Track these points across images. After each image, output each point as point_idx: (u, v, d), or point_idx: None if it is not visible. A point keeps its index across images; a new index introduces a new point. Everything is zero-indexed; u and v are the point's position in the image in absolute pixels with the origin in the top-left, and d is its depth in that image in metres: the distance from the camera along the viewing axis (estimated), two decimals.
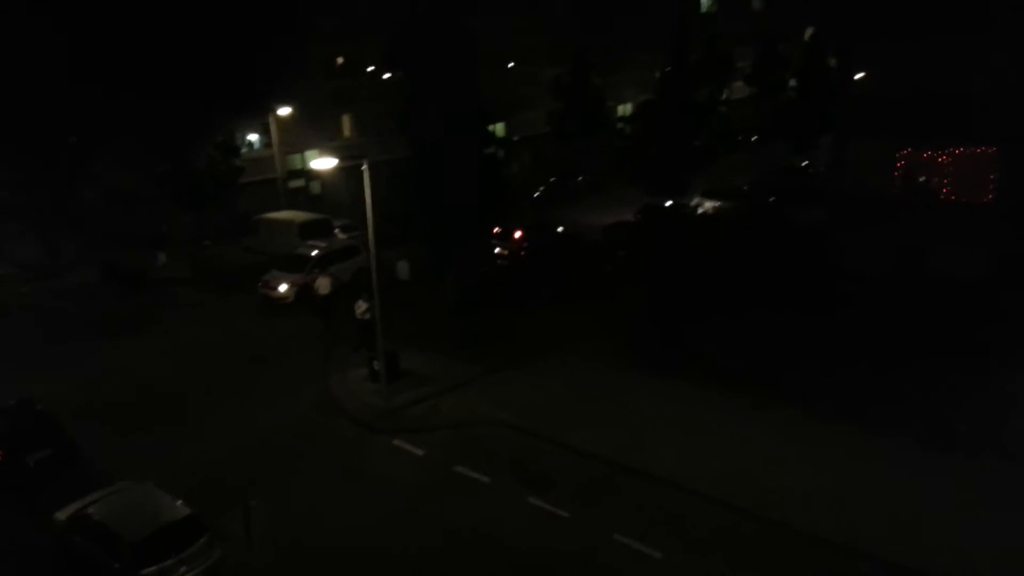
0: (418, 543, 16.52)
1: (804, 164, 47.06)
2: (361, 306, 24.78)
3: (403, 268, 27.60)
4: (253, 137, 41.93)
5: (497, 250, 33.75)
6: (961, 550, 15.44)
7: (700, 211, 39.98)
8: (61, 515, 16.07)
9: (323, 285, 27.73)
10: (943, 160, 41.78)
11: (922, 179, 42.03)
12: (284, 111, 40.28)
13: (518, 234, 34.55)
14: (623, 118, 59.12)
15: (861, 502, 17.02)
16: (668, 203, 38.13)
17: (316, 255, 31.40)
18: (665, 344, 24.85)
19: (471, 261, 27.21)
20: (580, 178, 47.59)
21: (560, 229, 35.83)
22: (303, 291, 30.34)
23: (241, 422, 21.68)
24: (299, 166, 43.64)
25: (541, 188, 45.54)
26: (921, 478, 17.67)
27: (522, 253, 33.64)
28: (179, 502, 15.61)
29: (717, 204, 40.11)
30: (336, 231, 36.10)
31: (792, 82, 55.56)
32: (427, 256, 27.90)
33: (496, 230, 33.30)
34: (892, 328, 24.96)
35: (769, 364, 23.20)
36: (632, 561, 15.77)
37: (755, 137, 59.32)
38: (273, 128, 40.99)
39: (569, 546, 16.27)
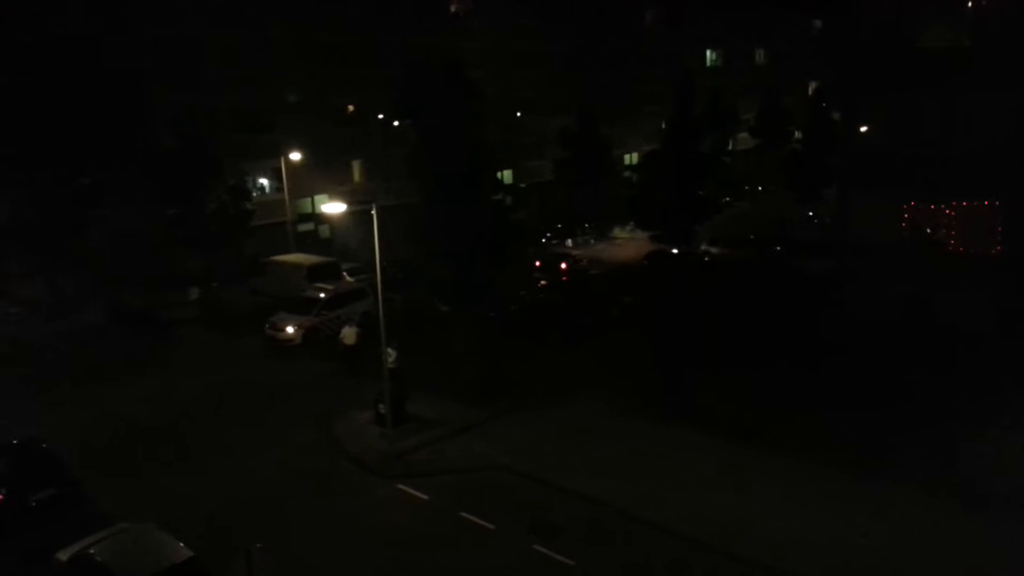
0: None
1: (810, 215, 47.42)
2: (390, 355, 24.41)
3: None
4: (264, 181, 42.44)
5: (542, 282, 36.66)
6: None
7: (706, 258, 40.16)
8: (62, 555, 15.86)
9: (349, 336, 27.22)
10: (949, 212, 42.03)
11: (929, 231, 42.25)
12: (295, 156, 40.87)
13: (563, 265, 37.00)
14: (630, 167, 59.88)
15: (872, 555, 16.74)
16: (674, 250, 38.35)
17: (324, 298, 31.54)
18: (671, 391, 24.76)
19: (480, 305, 27.22)
20: (587, 225, 47.94)
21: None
22: (310, 333, 30.43)
23: (245, 464, 21.54)
24: (309, 210, 44.09)
25: (548, 235, 45.85)
26: (937, 532, 17.42)
27: (564, 278, 36.83)
28: (181, 544, 15.44)
29: (723, 251, 40.34)
30: (344, 274, 36.32)
31: (796, 134, 56.37)
32: (434, 299, 28.00)
33: (538, 263, 38.46)
34: (899, 378, 24.84)
35: (776, 413, 23.05)
36: None
37: (760, 187, 59.90)
38: (284, 172, 41.53)
39: None
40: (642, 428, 22.74)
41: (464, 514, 18.83)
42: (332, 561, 17.27)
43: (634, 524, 18.21)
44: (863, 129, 55.63)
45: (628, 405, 24.16)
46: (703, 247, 40.75)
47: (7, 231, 34.61)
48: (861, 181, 47.71)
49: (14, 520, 18.24)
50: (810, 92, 58.07)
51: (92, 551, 15.30)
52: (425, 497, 19.76)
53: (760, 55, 74.59)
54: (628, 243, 47.15)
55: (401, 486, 20.27)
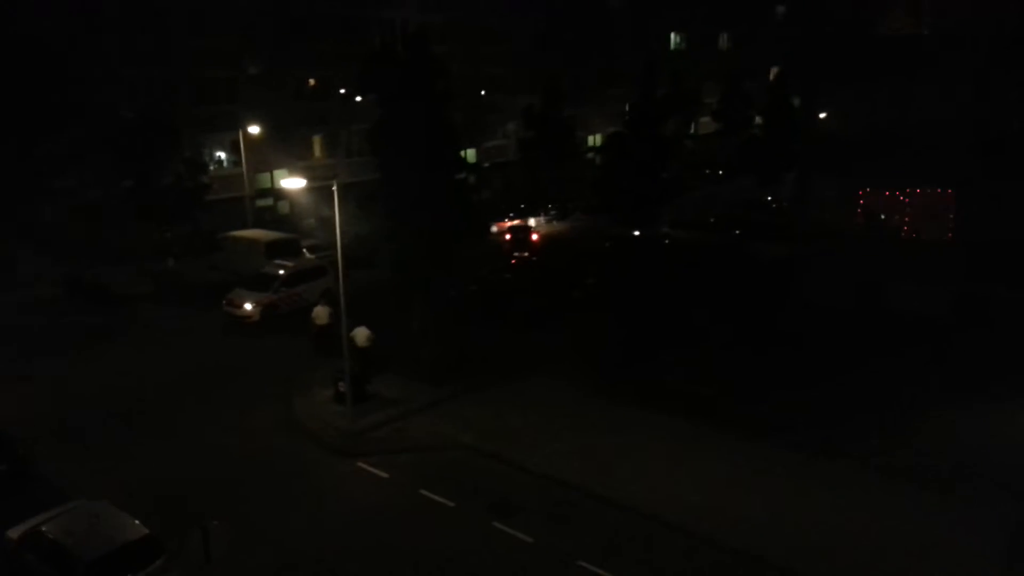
0: (382, 567, 16.31)
1: (769, 199, 48.08)
2: (364, 334, 24.47)
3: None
4: (222, 154, 41.63)
5: (515, 254, 37.37)
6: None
7: (667, 241, 40.54)
8: (13, 533, 15.57)
9: (320, 315, 26.91)
10: (903, 199, 43.01)
11: (883, 217, 43.19)
12: (254, 129, 40.11)
13: (534, 236, 37.82)
14: (593, 148, 59.96)
15: (833, 534, 17.13)
16: (636, 232, 38.63)
17: (283, 274, 31.16)
18: (632, 372, 25.04)
19: (440, 286, 27.14)
20: (550, 206, 47.97)
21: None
22: (268, 310, 30.07)
23: (203, 441, 21.30)
24: (268, 185, 43.40)
25: (511, 215, 45.80)
26: (899, 511, 17.91)
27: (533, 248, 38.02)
28: (136, 522, 15.26)
29: (684, 235, 40.76)
30: (304, 251, 35.90)
31: (757, 119, 56.97)
32: (395, 279, 27.84)
33: (507, 235, 39.22)
34: (851, 361, 25.45)
35: (735, 392, 23.47)
36: None
37: (721, 171, 60.52)
38: (242, 146, 40.74)
39: (534, 572, 16.18)
40: (603, 407, 22.99)
41: (424, 492, 18.89)
42: (291, 537, 17.22)
43: (595, 503, 18.44)
44: (822, 115, 56.56)
45: (590, 385, 24.39)
46: (664, 230, 41.10)
47: None
48: (819, 167, 48.60)
49: None
50: (771, 78, 58.63)
51: (44, 528, 15.07)
52: (385, 475, 19.77)
53: (724, 39, 75.07)
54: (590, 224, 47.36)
55: (361, 464, 20.24)
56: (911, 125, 53.32)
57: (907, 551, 16.54)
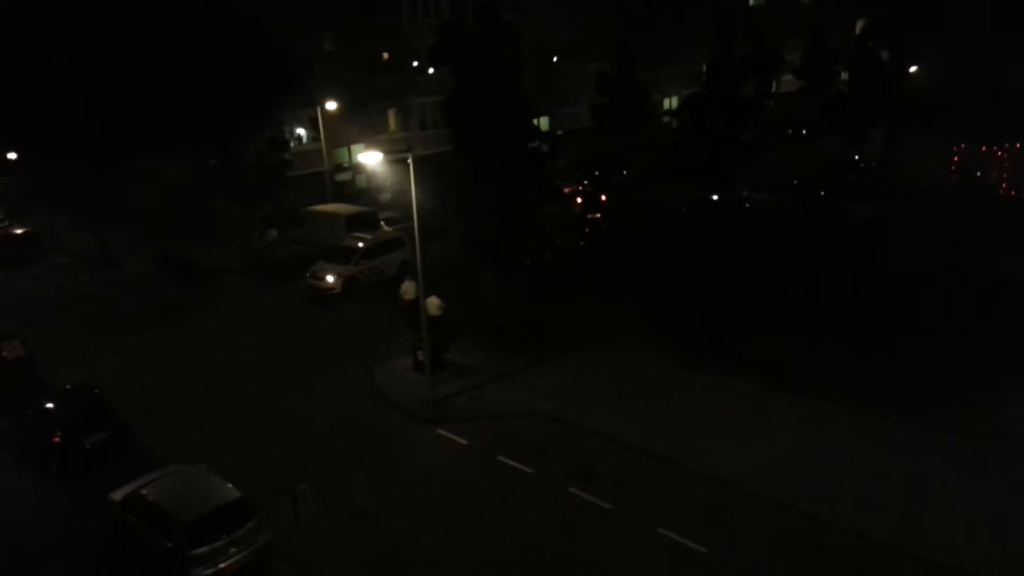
0: (461, 530, 16.65)
1: (855, 158, 46.11)
2: (436, 303, 24.67)
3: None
4: (301, 131, 42.50)
5: (588, 216, 37.43)
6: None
7: (747, 205, 39.42)
8: (116, 496, 16.54)
9: (408, 291, 26.46)
10: (1001, 155, 40.54)
11: (979, 174, 40.86)
12: (331, 106, 40.75)
13: (603, 197, 39.65)
14: (669, 112, 58.62)
15: (915, 501, 16.66)
16: (715, 197, 37.68)
17: (362, 247, 31.79)
18: (710, 339, 24.60)
19: (515, 255, 27.16)
20: (625, 172, 47.24)
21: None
22: (349, 282, 30.78)
23: (289, 409, 22.08)
24: (346, 160, 44.14)
25: (585, 182, 45.33)
26: (981, 479, 17.28)
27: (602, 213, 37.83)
28: (229, 485, 15.96)
29: (765, 198, 39.54)
30: (382, 224, 36.48)
31: (843, 75, 54.53)
32: (470, 249, 28.00)
33: (579, 198, 39.18)
34: (946, 328, 24.32)
35: (818, 362, 22.78)
36: (676, 555, 15.68)
37: (804, 131, 58.34)
38: (320, 122, 41.49)
39: (612, 538, 16.24)
40: (682, 376, 22.71)
41: (503, 458, 19.13)
42: (374, 502, 17.73)
43: (673, 469, 18.34)
44: (912, 69, 53.66)
45: (667, 353, 24.11)
46: (744, 193, 39.94)
47: (56, 183, 35.30)
48: (910, 123, 46.19)
49: (70, 462, 19.03)
50: (857, 31, 55.89)
51: (144, 491, 15.92)
52: (464, 442, 20.09)
53: None
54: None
55: (441, 431, 20.63)
56: (1010, 77, 50.12)
57: (991, 520, 15.90)
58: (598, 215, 38.43)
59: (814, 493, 17.03)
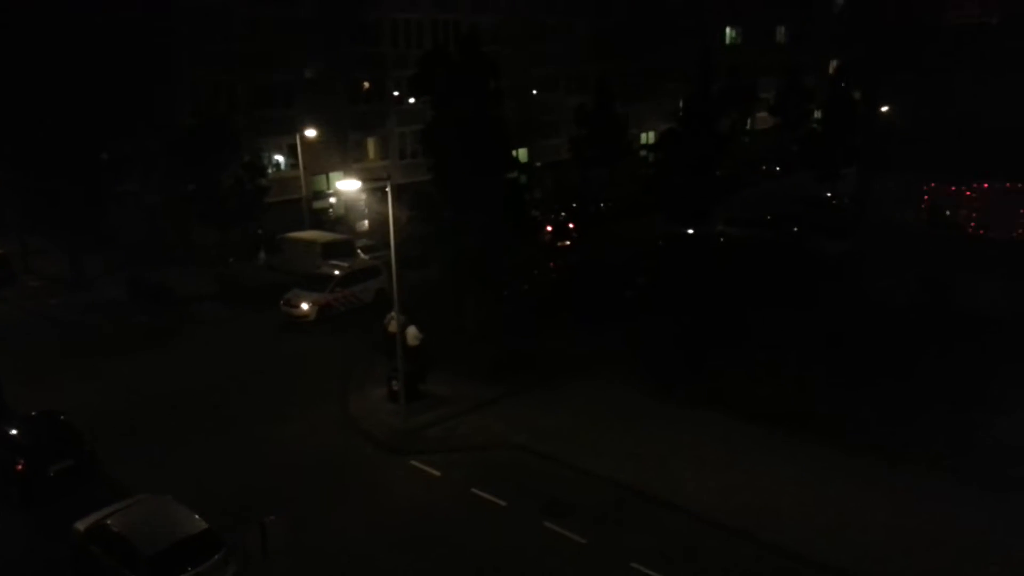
0: (433, 564, 16.42)
1: (828, 195, 46.90)
2: (411, 332, 24.36)
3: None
4: (279, 158, 42.48)
5: (557, 243, 39.20)
6: None
7: (722, 239, 39.88)
8: (80, 525, 16.14)
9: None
10: (969, 194, 41.47)
11: (948, 213, 41.73)
12: (310, 133, 40.85)
13: (570, 224, 41.42)
14: (646, 146, 59.36)
15: (891, 540, 16.69)
16: (690, 230, 38.09)
17: (338, 275, 31.65)
18: (686, 372, 24.67)
19: (493, 283, 27.24)
20: (602, 204, 47.65)
21: None
22: (324, 310, 30.59)
23: (260, 438, 21.75)
24: (324, 187, 44.13)
25: (563, 214, 45.62)
26: (969, 516, 17.40)
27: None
28: (196, 516, 15.66)
29: (739, 232, 40.02)
30: (358, 251, 36.40)
31: (816, 113, 55.63)
32: (447, 279, 28.02)
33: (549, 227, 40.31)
34: (915, 363, 24.59)
35: (795, 396, 22.87)
36: None
37: (778, 167, 59.30)
38: (299, 149, 41.53)
39: (586, 572, 16.09)
40: (658, 409, 22.72)
41: (476, 491, 18.95)
42: (345, 533, 17.46)
43: (649, 504, 18.26)
44: (884, 109, 54.84)
45: (643, 384, 24.12)
46: (719, 227, 40.42)
47: (29, 206, 34.89)
48: (881, 162, 47.12)
49: (34, 489, 18.57)
50: (831, 71, 57.22)
51: (110, 521, 15.57)
52: (437, 473, 19.90)
53: (781, 32, 73.52)
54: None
55: (414, 462, 20.42)
56: (978, 118, 51.44)
57: (975, 557, 15.95)
58: (567, 242, 39.45)
59: (791, 529, 17.02)
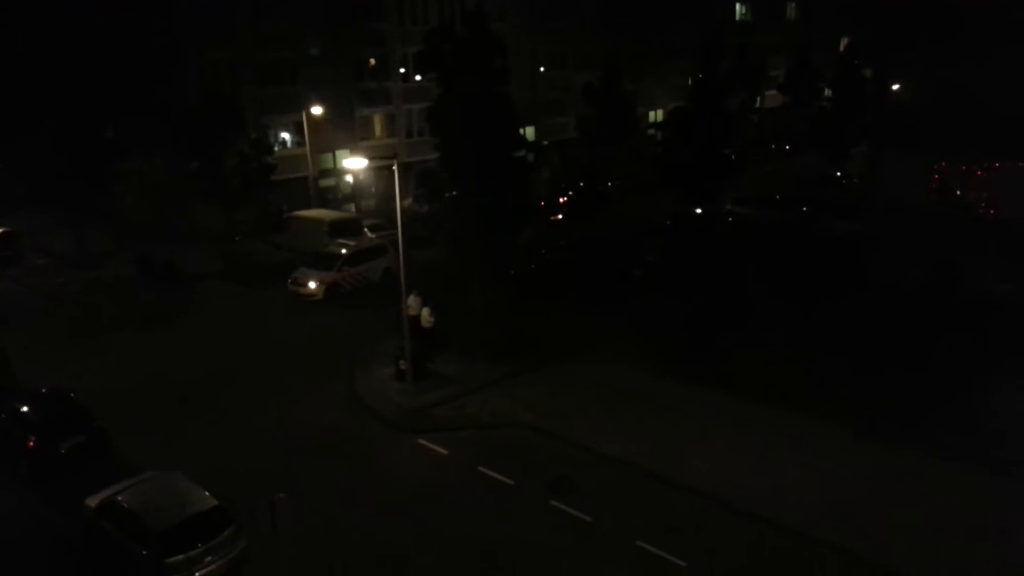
0: (440, 542, 16.54)
1: (838, 174, 46.54)
2: (424, 313, 24.52)
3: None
4: (286, 135, 42.31)
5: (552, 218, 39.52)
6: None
7: (730, 219, 39.68)
8: (91, 501, 16.31)
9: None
10: (980, 174, 41.06)
11: (958, 193, 41.34)
12: (316, 110, 40.65)
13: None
14: (654, 124, 58.94)
15: (898, 520, 16.72)
16: (698, 210, 37.89)
17: (345, 254, 31.64)
18: (694, 351, 24.66)
19: (500, 262, 27.14)
20: (610, 183, 47.43)
21: None
22: (331, 288, 30.61)
23: (268, 416, 21.87)
24: (331, 165, 43.99)
25: (570, 193, 45.45)
26: (971, 501, 17.35)
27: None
28: (206, 493, 15.78)
29: (748, 212, 39.81)
30: (365, 230, 36.35)
31: (826, 92, 55.06)
32: (454, 258, 27.93)
33: None
34: (923, 343, 24.51)
35: (805, 376, 22.83)
36: (655, 568, 15.65)
37: (788, 146, 58.85)
38: (305, 127, 41.36)
39: (591, 551, 16.18)
40: (665, 387, 22.75)
41: (483, 469, 19.04)
42: (352, 511, 17.59)
43: (655, 483, 18.32)
44: (895, 87, 54.20)
45: (650, 364, 24.13)
46: (728, 207, 40.19)
47: (35, 184, 34.94)
48: (892, 140, 46.63)
49: (45, 466, 18.73)
50: (841, 48, 56.52)
51: (120, 498, 15.70)
52: (444, 452, 19.99)
53: (791, 9, 72.64)
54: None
55: (421, 440, 20.52)
56: (992, 95, 50.78)
57: (981, 541, 15.99)
58: (559, 216, 40.03)
59: (797, 508, 17.07)
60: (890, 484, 17.90)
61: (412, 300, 25.65)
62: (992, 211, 40.26)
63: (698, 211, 37.99)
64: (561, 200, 43.09)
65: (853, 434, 19.91)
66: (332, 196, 44.01)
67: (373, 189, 45.96)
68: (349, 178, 44.92)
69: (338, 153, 43.44)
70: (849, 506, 17.14)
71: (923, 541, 16.01)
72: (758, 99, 63.62)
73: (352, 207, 44.19)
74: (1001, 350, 23.80)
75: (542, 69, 52.43)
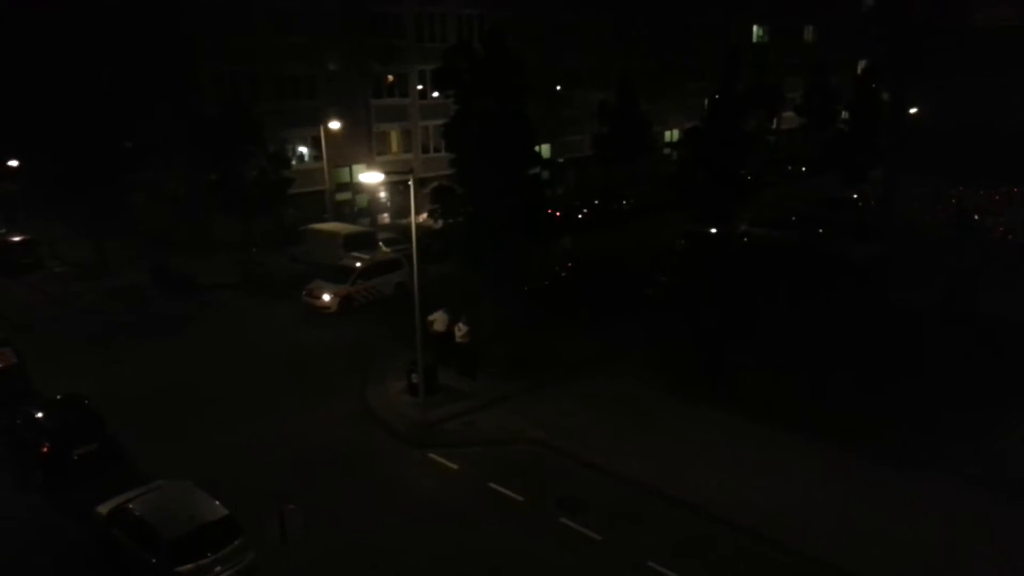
0: (449, 558, 16.48)
1: (854, 196, 46.39)
2: (461, 329, 24.56)
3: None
4: (303, 149, 42.69)
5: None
6: None
7: (745, 239, 39.59)
8: (102, 509, 16.37)
9: (439, 321, 25.53)
10: (998, 199, 40.90)
11: (976, 217, 41.14)
12: (334, 125, 41.01)
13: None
14: (670, 144, 59.02)
15: (903, 545, 16.55)
16: (713, 230, 37.83)
17: (360, 267, 31.79)
18: (707, 372, 24.54)
19: (514, 279, 27.21)
20: (624, 202, 47.47)
21: None
22: (345, 301, 30.74)
23: (279, 428, 21.92)
24: (347, 179, 44.29)
25: (584, 211, 45.53)
26: (986, 528, 17.16)
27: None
28: (216, 502, 15.81)
29: (763, 233, 39.70)
30: (380, 244, 36.53)
31: (843, 114, 54.98)
32: (467, 273, 28.02)
33: None
34: (939, 367, 24.33)
35: (814, 399, 22.67)
36: None
37: (804, 167, 58.73)
38: (323, 141, 41.72)
39: (600, 571, 16.08)
40: (676, 407, 22.64)
41: (493, 485, 18.98)
42: (362, 524, 17.57)
43: (665, 502, 18.20)
44: (912, 111, 54.10)
45: (662, 384, 24.05)
46: (743, 228, 40.11)
47: (54, 193, 35.40)
48: (908, 164, 46.50)
49: (58, 472, 18.84)
50: (859, 71, 56.48)
51: (131, 505, 15.76)
52: (455, 467, 19.95)
53: (809, 32, 72.76)
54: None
55: (432, 455, 20.49)
56: (1009, 122, 50.64)
57: (985, 564, 15.76)
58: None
59: (807, 530, 16.91)
60: (900, 507, 17.71)
61: (440, 315, 25.75)
62: (1009, 236, 40.04)
63: (712, 231, 37.93)
64: (578, 216, 42.81)
65: (865, 456, 19.72)
66: (348, 210, 44.29)
67: (389, 204, 46.19)
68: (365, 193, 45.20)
69: (355, 167, 43.76)
70: (859, 528, 16.96)
71: (935, 565, 15.80)
72: (775, 120, 63.62)
73: (368, 221, 44.40)
74: (1015, 372, 23.60)
75: (559, 87, 52.71)
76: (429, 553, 16.60)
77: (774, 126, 63.77)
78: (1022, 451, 19.72)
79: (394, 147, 46.08)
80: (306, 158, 42.83)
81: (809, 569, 15.94)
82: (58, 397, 20.79)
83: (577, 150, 53.29)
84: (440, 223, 26.70)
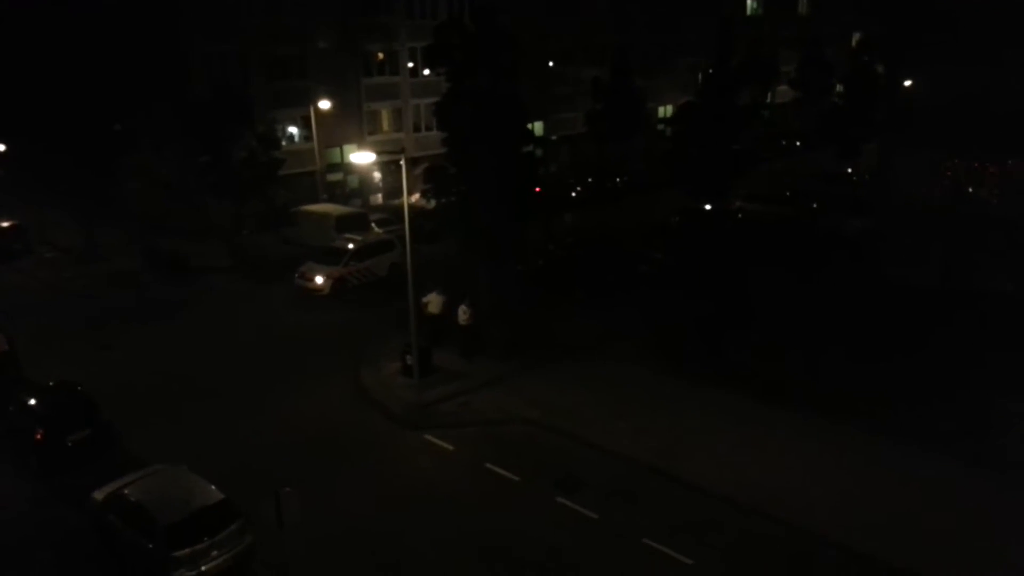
0: (445, 538, 16.50)
1: (848, 171, 46.23)
2: (465, 312, 24.47)
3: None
4: (293, 130, 42.30)
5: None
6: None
7: (740, 215, 39.46)
8: (98, 495, 16.32)
9: (434, 303, 25.44)
10: (993, 172, 40.72)
11: (970, 191, 41.00)
12: (324, 105, 40.60)
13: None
14: (663, 120, 58.70)
15: (903, 517, 16.63)
16: (707, 206, 37.67)
17: (352, 248, 31.60)
18: (701, 349, 24.52)
19: (506, 260, 27.05)
20: (618, 179, 47.25)
21: None
22: (338, 283, 30.59)
23: (274, 411, 21.87)
24: (338, 159, 43.95)
25: (578, 188, 45.31)
26: (981, 505, 17.20)
27: None
28: (212, 487, 15.76)
29: (758, 208, 39.57)
30: (372, 225, 36.32)
31: (838, 87, 54.68)
32: (462, 253, 27.86)
33: None
34: (934, 342, 24.34)
35: (814, 375, 22.71)
36: (661, 566, 15.57)
37: (798, 142, 58.51)
38: (313, 121, 41.32)
39: (597, 548, 16.11)
40: (671, 385, 22.64)
41: (489, 465, 18.98)
42: (359, 506, 17.57)
43: (661, 481, 18.23)
44: (907, 83, 53.78)
45: (657, 362, 24.04)
46: (737, 203, 39.97)
47: (43, 177, 35.04)
48: (903, 137, 46.29)
49: (52, 459, 18.77)
50: (853, 44, 56.09)
51: (127, 491, 15.70)
52: (451, 448, 19.94)
53: (803, 4, 72.17)
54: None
55: (428, 436, 20.46)
56: (1005, 94, 50.29)
57: (987, 537, 15.86)
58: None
59: (804, 507, 16.96)
60: (896, 483, 17.77)
61: (434, 297, 25.63)
62: (1005, 209, 39.87)
63: (707, 207, 37.78)
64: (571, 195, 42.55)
65: (861, 432, 19.77)
66: (339, 191, 43.99)
67: (380, 184, 45.90)
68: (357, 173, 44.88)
69: (346, 148, 43.42)
70: (855, 504, 17.02)
71: (929, 539, 15.88)
72: (769, 94, 63.26)
73: (359, 202, 44.14)
74: (1012, 348, 23.62)
75: (551, 64, 52.23)
76: (425, 534, 16.61)
77: (768, 100, 63.42)
78: (1018, 427, 19.75)
79: (385, 126, 45.69)
80: (296, 139, 42.44)
81: (808, 545, 15.99)
82: (51, 383, 20.66)
83: (570, 127, 52.94)
84: (433, 203, 26.49)
